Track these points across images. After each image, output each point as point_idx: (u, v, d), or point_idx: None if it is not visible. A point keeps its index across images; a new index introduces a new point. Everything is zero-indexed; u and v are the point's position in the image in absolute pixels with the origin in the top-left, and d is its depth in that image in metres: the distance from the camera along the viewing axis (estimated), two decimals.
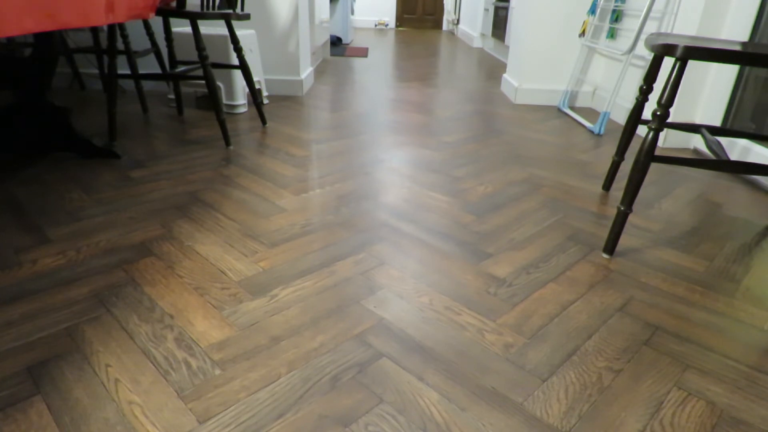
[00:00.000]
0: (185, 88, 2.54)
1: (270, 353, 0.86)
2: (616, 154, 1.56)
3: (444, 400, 0.78)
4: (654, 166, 1.90)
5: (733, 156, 1.89)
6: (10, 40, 1.85)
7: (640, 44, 2.36)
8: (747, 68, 1.90)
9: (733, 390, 0.82)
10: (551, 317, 0.99)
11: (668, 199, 1.60)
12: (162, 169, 1.67)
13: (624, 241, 1.31)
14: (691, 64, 2.00)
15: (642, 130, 2.25)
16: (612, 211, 1.48)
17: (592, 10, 2.63)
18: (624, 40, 2.52)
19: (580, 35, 2.72)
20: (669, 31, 2.10)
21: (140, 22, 2.66)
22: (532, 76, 2.84)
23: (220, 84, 2.35)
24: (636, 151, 1.49)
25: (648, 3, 2.12)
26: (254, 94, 2.12)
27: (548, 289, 1.09)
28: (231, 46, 2.26)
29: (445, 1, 7.43)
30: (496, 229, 1.35)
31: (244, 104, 2.45)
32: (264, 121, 2.23)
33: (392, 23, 7.63)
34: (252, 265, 1.13)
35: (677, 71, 1.08)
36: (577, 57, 2.76)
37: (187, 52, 2.34)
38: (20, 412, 0.73)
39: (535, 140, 2.18)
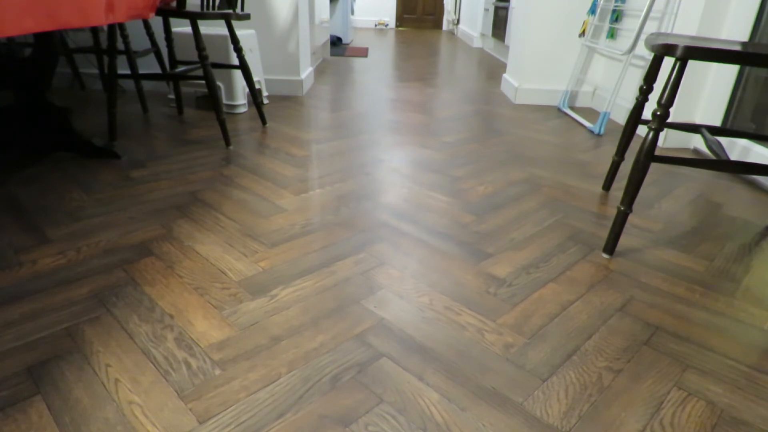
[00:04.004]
0: (185, 88, 2.54)
1: (270, 353, 0.86)
2: (616, 154, 1.56)
3: (444, 400, 0.78)
4: (654, 166, 1.90)
5: (733, 156, 1.89)
6: (10, 40, 1.85)
7: (640, 44, 2.36)
8: (747, 68, 1.90)
9: (733, 390, 0.82)
10: (551, 317, 0.99)
11: (668, 199, 1.60)
12: (162, 169, 1.67)
13: (624, 241, 1.31)
14: (691, 64, 2.00)
15: (642, 130, 2.25)
16: (612, 211, 1.48)
17: (592, 10, 2.63)
18: (624, 40, 2.52)
19: (580, 35, 2.72)
20: (669, 31, 2.10)
21: (140, 22, 2.66)
22: (532, 76, 2.84)
23: (220, 84, 2.35)
24: (636, 151, 1.49)
25: (648, 3, 2.12)
26: (254, 94, 2.12)
27: (548, 289, 1.09)
28: (231, 46, 2.26)
29: (445, 1, 7.43)
30: (496, 229, 1.35)
31: (244, 104, 2.45)
32: (264, 121, 2.23)
33: (392, 23, 7.63)
34: (252, 265, 1.13)
35: (677, 71, 1.08)
36: (577, 57, 2.76)
37: (187, 52, 2.34)
38: (20, 412, 0.73)
39: (535, 140, 2.18)
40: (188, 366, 0.83)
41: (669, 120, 1.53)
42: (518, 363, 0.86)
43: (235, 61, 2.30)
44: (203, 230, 1.28)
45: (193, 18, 1.73)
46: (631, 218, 1.45)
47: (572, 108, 2.81)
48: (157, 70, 2.73)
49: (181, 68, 2.08)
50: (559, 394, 0.80)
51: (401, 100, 2.84)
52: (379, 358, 0.86)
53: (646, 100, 1.38)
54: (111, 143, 1.87)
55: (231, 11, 1.87)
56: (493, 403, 0.78)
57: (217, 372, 0.82)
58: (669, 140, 2.13)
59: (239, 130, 2.15)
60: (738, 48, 1.04)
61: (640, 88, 1.36)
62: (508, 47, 3.91)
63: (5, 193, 1.43)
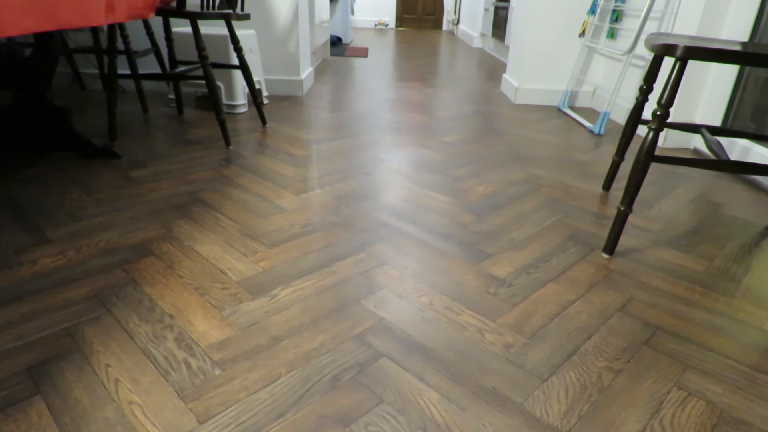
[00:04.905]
0: (185, 88, 2.54)
1: (270, 353, 0.86)
2: (616, 154, 1.56)
3: (444, 400, 0.78)
4: (654, 166, 1.90)
5: (733, 156, 1.89)
6: (10, 40, 1.85)
7: (640, 44, 2.36)
8: (747, 68, 1.90)
9: (733, 390, 0.82)
10: (551, 317, 0.99)
11: (668, 199, 1.60)
12: (162, 169, 1.67)
13: (624, 241, 1.31)
14: (691, 64, 2.00)
15: (642, 130, 2.25)
16: (612, 211, 1.48)
17: (592, 10, 2.63)
18: (624, 40, 2.52)
19: (580, 35, 2.72)
20: (669, 31, 2.10)
21: (140, 22, 2.66)
22: (532, 76, 2.84)
23: (220, 84, 2.35)
24: (636, 151, 1.49)
25: (648, 3, 2.12)
26: (254, 94, 2.12)
27: (548, 289, 1.09)
28: (231, 46, 2.26)
29: (445, 1, 7.43)
30: (496, 229, 1.35)
31: (244, 104, 2.45)
32: (264, 121, 2.23)
33: (392, 23, 7.63)
34: (252, 265, 1.13)
35: (677, 71, 1.08)
36: (577, 57, 2.76)
37: (187, 52, 2.34)
38: (20, 412, 0.73)
39: (535, 140, 2.18)
40: (188, 366, 0.83)
41: (669, 120, 1.53)
42: (518, 363, 0.86)
43: (235, 61, 2.30)
44: (203, 230, 1.28)
45: (193, 18, 1.73)
46: (631, 218, 1.45)
47: (572, 108, 2.81)
48: (157, 70, 2.73)
49: (181, 68, 2.08)
50: (559, 394, 0.80)
51: (401, 100, 2.84)
52: (379, 358, 0.86)
53: (646, 100, 1.38)
54: (111, 143, 1.87)
55: (231, 11, 1.87)
56: (493, 403, 0.78)
57: (217, 372, 0.82)
58: (669, 140, 2.13)
59: (239, 130, 2.15)
60: (738, 48, 1.04)
61: (640, 88, 1.36)
62: (508, 47, 3.91)
63: (5, 193, 1.43)
